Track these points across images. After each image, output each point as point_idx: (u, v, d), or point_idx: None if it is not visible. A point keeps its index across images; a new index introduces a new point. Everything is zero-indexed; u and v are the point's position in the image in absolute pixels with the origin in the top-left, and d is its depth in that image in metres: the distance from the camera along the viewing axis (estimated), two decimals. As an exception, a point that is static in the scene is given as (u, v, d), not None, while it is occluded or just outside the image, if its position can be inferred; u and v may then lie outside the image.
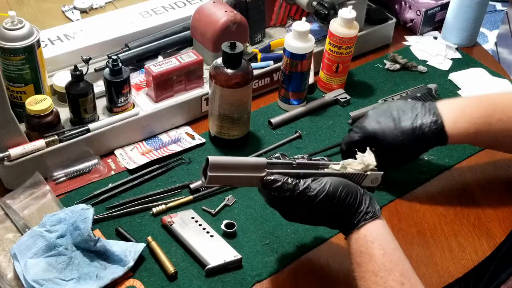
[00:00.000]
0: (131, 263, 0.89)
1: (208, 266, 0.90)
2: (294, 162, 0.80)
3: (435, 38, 1.45)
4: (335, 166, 0.82)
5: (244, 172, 0.77)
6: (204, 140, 1.13)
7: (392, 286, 0.74)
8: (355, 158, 0.84)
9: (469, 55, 1.41)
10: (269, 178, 0.77)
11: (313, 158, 0.84)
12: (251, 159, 0.80)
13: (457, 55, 1.40)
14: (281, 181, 0.77)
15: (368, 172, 0.84)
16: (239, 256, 0.92)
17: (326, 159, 0.84)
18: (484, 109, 0.94)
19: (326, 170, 0.81)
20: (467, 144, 1.05)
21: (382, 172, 0.86)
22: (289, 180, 0.77)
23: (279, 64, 1.20)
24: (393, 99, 1.23)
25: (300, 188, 0.77)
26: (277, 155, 0.82)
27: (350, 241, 0.79)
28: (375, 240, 0.77)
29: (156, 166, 1.07)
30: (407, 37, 1.45)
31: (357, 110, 1.20)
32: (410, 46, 1.42)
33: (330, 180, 0.78)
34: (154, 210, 0.99)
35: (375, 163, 0.85)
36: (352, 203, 0.78)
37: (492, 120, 0.93)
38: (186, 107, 1.15)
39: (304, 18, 1.13)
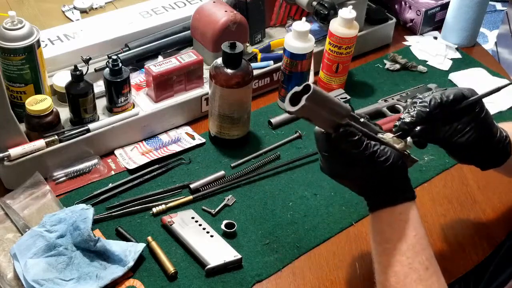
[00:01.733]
0: (131, 263, 0.89)
1: (208, 266, 0.90)
2: (361, 119, 0.76)
3: (435, 38, 1.45)
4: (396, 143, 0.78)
5: (330, 113, 0.72)
6: (204, 140, 1.13)
7: (417, 268, 0.73)
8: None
9: (469, 55, 1.41)
10: (347, 129, 0.72)
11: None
12: (339, 101, 0.73)
13: (457, 55, 1.40)
14: (357, 136, 0.72)
15: (414, 157, 0.81)
16: (239, 256, 0.92)
17: (378, 127, 0.80)
18: None
19: (385, 140, 0.77)
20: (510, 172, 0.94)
21: (418, 160, 0.83)
22: (363, 138, 0.73)
23: (279, 64, 1.20)
24: (393, 99, 1.23)
25: (370, 150, 0.73)
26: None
27: (383, 215, 0.76)
28: (409, 220, 0.75)
29: (156, 166, 1.07)
30: (407, 37, 1.45)
31: (357, 110, 1.20)
32: (410, 46, 1.42)
33: (393, 152, 0.75)
34: (154, 210, 0.99)
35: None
36: (404, 178, 0.77)
37: None
38: (186, 107, 1.15)
39: (304, 18, 1.13)
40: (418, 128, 0.78)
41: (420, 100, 0.79)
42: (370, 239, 0.80)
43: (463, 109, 0.79)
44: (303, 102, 0.69)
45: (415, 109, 0.78)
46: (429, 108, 0.78)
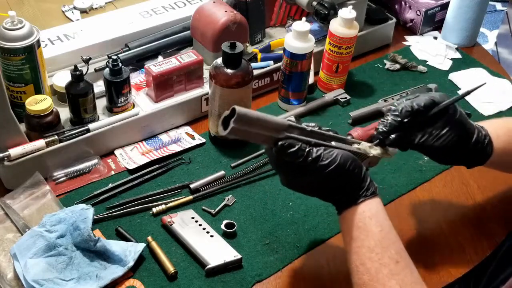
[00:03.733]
0: (131, 263, 0.89)
1: (208, 266, 0.90)
2: (307, 128, 0.79)
3: (435, 38, 1.45)
4: (355, 145, 0.82)
5: (265, 130, 0.75)
6: (204, 140, 1.13)
7: (387, 263, 0.74)
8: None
9: (469, 55, 1.41)
10: (285, 142, 0.75)
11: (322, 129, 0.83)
12: (273, 118, 0.77)
13: (457, 55, 1.40)
14: (296, 146, 0.75)
15: (371, 154, 0.84)
16: (239, 256, 0.92)
17: (332, 132, 0.83)
18: None
19: (333, 143, 0.80)
20: (500, 167, 0.95)
21: (380, 157, 0.86)
22: (303, 147, 0.76)
23: (279, 64, 1.20)
24: (393, 99, 1.23)
25: (313, 156, 0.75)
26: (291, 118, 0.81)
27: (347, 216, 0.79)
28: (373, 217, 0.77)
29: (156, 166, 1.07)
30: (407, 37, 1.45)
31: (357, 110, 1.20)
32: (410, 46, 1.42)
33: (340, 152, 0.77)
34: (154, 210, 0.99)
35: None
36: (357, 177, 0.78)
37: None
38: (186, 107, 1.15)
39: (304, 18, 1.13)
40: (393, 136, 0.82)
41: (393, 109, 0.83)
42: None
43: (435, 114, 0.82)
44: (231, 125, 0.73)
45: (388, 119, 0.82)
46: (400, 117, 0.81)
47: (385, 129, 0.82)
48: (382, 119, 0.83)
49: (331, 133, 0.81)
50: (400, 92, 1.26)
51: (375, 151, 0.83)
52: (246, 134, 0.75)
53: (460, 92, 1.29)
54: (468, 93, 0.86)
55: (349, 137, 0.84)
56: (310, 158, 0.75)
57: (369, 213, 0.77)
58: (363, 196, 0.78)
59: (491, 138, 0.87)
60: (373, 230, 0.76)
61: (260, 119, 0.75)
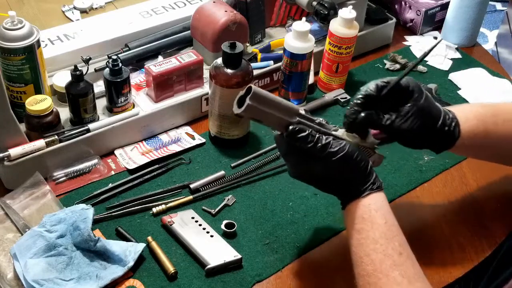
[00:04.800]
0: (131, 263, 0.89)
1: (208, 266, 0.90)
2: (316, 120, 0.81)
3: (435, 38, 1.45)
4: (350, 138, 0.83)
5: (277, 112, 0.77)
6: (204, 140, 1.13)
7: (391, 254, 0.75)
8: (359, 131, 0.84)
9: (469, 55, 1.41)
10: (296, 126, 0.77)
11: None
12: (287, 102, 0.79)
13: (457, 55, 1.40)
14: (307, 131, 0.77)
15: (376, 151, 0.85)
16: (239, 256, 0.92)
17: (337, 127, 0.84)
18: (490, 108, 0.92)
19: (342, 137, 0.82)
20: (469, 152, 0.97)
21: (384, 156, 0.87)
22: (313, 133, 0.78)
23: (279, 64, 1.20)
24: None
25: (323, 142, 0.77)
26: (301, 110, 0.82)
27: (353, 208, 0.80)
28: (378, 210, 0.78)
29: (156, 166, 1.07)
30: (407, 37, 1.45)
31: (357, 110, 1.20)
32: (410, 46, 1.42)
33: (348, 143, 0.79)
34: (154, 210, 0.99)
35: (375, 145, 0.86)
36: (364, 169, 0.79)
37: (497, 120, 0.90)
38: (186, 107, 1.15)
39: (304, 18, 1.13)
40: (361, 115, 0.82)
41: (358, 93, 0.84)
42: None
43: (401, 96, 0.83)
44: (247, 102, 0.74)
45: (355, 100, 0.83)
46: (364, 94, 0.82)
47: (352, 111, 0.82)
48: (349, 104, 0.86)
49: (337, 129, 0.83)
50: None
51: (353, 139, 0.82)
52: (259, 113, 0.77)
53: (459, 92, 1.29)
54: (420, 60, 0.87)
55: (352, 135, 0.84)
56: (319, 144, 0.77)
57: (375, 206, 0.78)
58: (369, 189, 0.79)
59: (459, 121, 0.87)
60: (378, 222, 0.77)
61: (275, 100, 0.77)
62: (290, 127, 0.77)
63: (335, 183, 0.81)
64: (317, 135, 0.78)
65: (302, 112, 0.80)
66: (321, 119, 0.82)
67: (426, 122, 0.85)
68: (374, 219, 0.78)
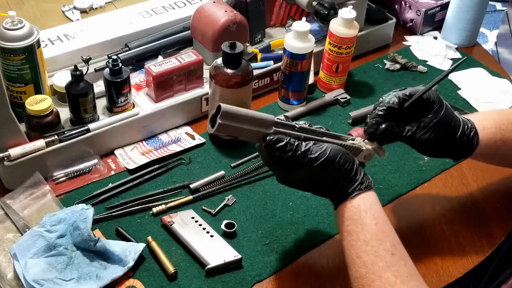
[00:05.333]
0: (131, 263, 0.89)
1: (208, 266, 0.90)
2: (297, 126, 0.80)
3: (435, 38, 1.45)
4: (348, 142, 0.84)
5: (252, 126, 0.77)
6: (204, 140, 1.13)
7: (383, 255, 0.75)
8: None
9: (469, 55, 1.41)
10: (273, 137, 0.77)
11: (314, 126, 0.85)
12: (260, 114, 0.79)
13: (457, 55, 1.40)
14: (284, 141, 0.77)
15: (364, 148, 0.85)
16: (239, 256, 0.92)
17: (324, 129, 0.84)
18: (506, 116, 0.93)
19: (324, 139, 0.82)
20: (487, 159, 0.97)
21: (375, 151, 0.87)
22: (292, 141, 0.77)
23: (279, 64, 1.20)
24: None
25: (302, 149, 0.77)
26: (280, 116, 0.82)
27: (343, 210, 0.80)
28: (368, 210, 0.78)
29: (156, 166, 1.07)
30: (407, 37, 1.45)
31: (357, 110, 1.20)
32: (410, 46, 1.42)
33: (330, 146, 0.78)
34: (154, 210, 0.99)
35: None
36: (349, 171, 0.79)
37: None
38: (186, 107, 1.15)
39: (304, 18, 1.13)
40: (382, 126, 0.84)
41: (380, 101, 0.85)
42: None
43: (421, 107, 0.85)
44: (217, 121, 0.75)
45: (376, 111, 0.84)
46: (386, 106, 0.83)
47: (373, 122, 0.84)
48: (370, 113, 0.85)
49: (323, 129, 0.82)
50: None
51: (369, 146, 0.84)
52: (233, 130, 0.77)
53: (459, 92, 1.29)
54: (444, 77, 0.88)
55: (349, 137, 0.84)
56: (299, 152, 0.77)
57: (364, 206, 0.78)
58: (357, 190, 0.79)
59: (477, 130, 0.88)
60: (368, 223, 0.77)
61: (246, 115, 0.77)
62: (267, 138, 0.77)
63: (321, 187, 0.81)
64: (296, 143, 0.77)
65: (281, 118, 0.80)
66: (302, 123, 0.82)
67: (446, 134, 0.86)
68: (364, 220, 0.77)
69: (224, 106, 0.76)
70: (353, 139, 0.84)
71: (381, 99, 0.85)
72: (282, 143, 0.76)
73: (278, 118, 0.80)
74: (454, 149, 0.89)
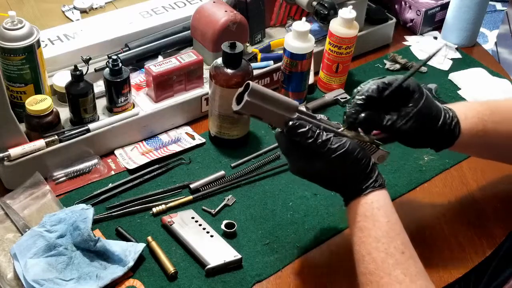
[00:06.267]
0: (131, 263, 0.89)
1: (208, 266, 0.90)
2: (317, 117, 0.81)
3: (435, 38, 1.45)
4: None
5: (277, 108, 0.77)
6: (204, 140, 1.13)
7: (393, 253, 0.75)
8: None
9: (469, 55, 1.41)
10: (296, 121, 0.77)
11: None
12: (286, 98, 0.79)
13: (457, 55, 1.40)
14: (307, 127, 0.77)
15: (380, 148, 0.84)
16: (239, 256, 0.92)
17: (341, 126, 0.84)
18: (488, 106, 0.92)
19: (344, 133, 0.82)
20: (470, 150, 0.97)
21: (389, 152, 0.86)
22: (314, 128, 0.78)
23: (279, 64, 1.20)
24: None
25: (323, 138, 0.77)
26: (301, 107, 0.82)
27: (355, 206, 0.79)
28: (381, 208, 0.78)
29: (156, 166, 1.07)
30: (407, 37, 1.45)
31: (357, 110, 1.20)
32: (410, 46, 1.42)
33: (349, 140, 0.78)
34: (154, 210, 0.99)
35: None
36: (366, 166, 0.79)
37: (496, 118, 0.90)
38: (186, 107, 1.15)
39: (304, 18, 1.13)
40: (362, 115, 0.82)
41: (358, 89, 0.84)
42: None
43: (401, 96, 0.84)
44: (245, 98, 0.74)
45: (355, 100, 0.83)
46: (365, 95, 0.82)
47: (353, 111, 0.83)
48: (349, 102, 0.85)
49: (340, 126, 0.82)
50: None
51: (349, 134, 0.82)
52: (258, 110, 0.77)
53: (459, 92, 1.29)
54: (422, 65, 0.86)
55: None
56: (319, 140, 0.77)
57: (377, 204, 0.78)
58: (371, 187, 0.79)
59: (459, 119, 0.87)
60: (380, 220, 0.77)
61: (273, 96, 0.77)
62: (290, 123, 0.77)
63: (336, 180, 0.81)
64: (317, 131, 0.77)
65: (303, 108, 0.80)
66: (322, 116, 0.82)
67: (427, 123, 0.85)
68: (376, 217, 0.77)
69: (253, 84, 0.75)
70: (338, 128, 0.83)
71: (359, 87, 0.84)
72: (304, 129, 0.77)
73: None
74: (435, 139, 0.88)
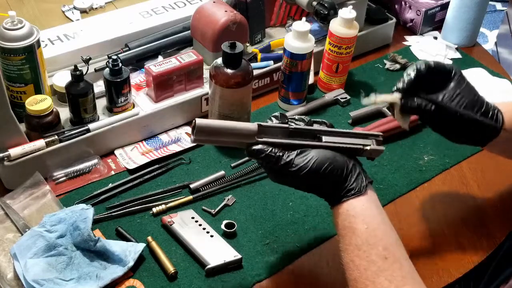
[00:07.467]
0: (131, 263, 0.89)
1: (208, 266, 0.90)
2: (290, 127, 0.79)
3: (435, 38, 1.45)
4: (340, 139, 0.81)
5: (232, 138, 0.77)
6: (204, 140, 1.13)
7: (375, 260, 0.74)
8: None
9: (469, 55, 1.41)
10: (254, 148, 0.76)
11: (316, 122, 0.84)
12: (241, 125, 0.77)
13: (457, 55, 1.40)
14: (265, 152, 0.76)
15: (368, 147, 0.82)
16: (239, 256, 0.92)
17: (328, 124, 0.83)
18: None
19: (325, 139, 0.79)
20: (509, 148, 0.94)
21: (384, 148, 0.84)
22: (273, 153, 0.76)
23: (279, 64, 1.20)
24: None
25: (282, 162, 0.76)
26: (276, 114, 0.81)
27: (335, 214, 0.79)
28: (358, 215, 0.76)
29: (156, 166, 1.07)
30: (407, 37, 1.45)
31: (357, 110, 1.20)
32: (410, 46, 1.42)
33: (316, 156, 0.77)
34: (154, 210, 0.99)
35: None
36: (336, 179, 0.77)
37: None
38: (186, 107, 1.15)
39: (304, 18, 1.13)
40: (415, 102, 0.84)
41: (411, 65, 0.87)
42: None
43: (442, 79, 0.86)
44: (192, 137, 0.75)
45: (405, 77, 0.86)
46: (416, 71, 0.85)
47: (404, 85, 0.85)
48: (399, 80, 0.86)
49: (323, 127, 0.81)
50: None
51: (391, 98, 0.84)
52: (213, 142, 0.78)
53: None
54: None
55: (360, 132, 0.83)
56: (280, 163, 0.76)
57: (353, 211, 0.77)
58: (345, 196, 0.77)
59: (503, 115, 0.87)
60: (358, 228, 0.76)
61: (226, 127, 0.76)
62: (248, 149, 0.76)
63: (314, 190, 0.81)
64: (277, 154, 0.76)
65: (277, 116, 0.79)
66: (303, 117, 0.80)
67: (472, 102, 0.85)
68: (354, 225, 0.76)
69: (199, 121, 0.74)
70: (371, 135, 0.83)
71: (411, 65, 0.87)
72: (263, 155, 0.76)
73: (273, 116, 0.80)
74: (480, 128, 0.85)
